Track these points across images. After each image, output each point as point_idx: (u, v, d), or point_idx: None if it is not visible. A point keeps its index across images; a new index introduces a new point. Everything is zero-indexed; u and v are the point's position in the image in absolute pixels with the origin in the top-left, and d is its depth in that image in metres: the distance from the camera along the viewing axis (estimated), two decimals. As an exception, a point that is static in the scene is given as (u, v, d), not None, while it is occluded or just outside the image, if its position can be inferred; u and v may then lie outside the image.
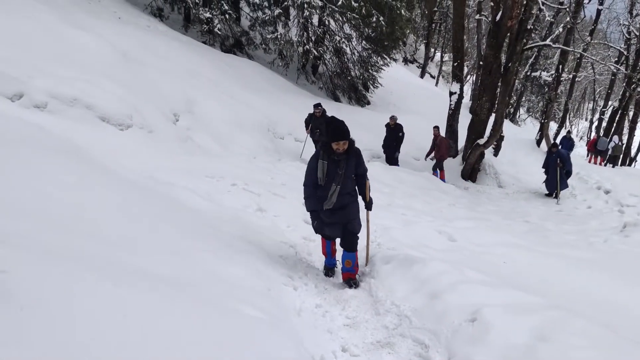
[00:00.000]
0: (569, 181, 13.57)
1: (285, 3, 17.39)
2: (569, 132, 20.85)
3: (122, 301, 2.25)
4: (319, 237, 6.42)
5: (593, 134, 39.02)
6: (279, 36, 17.10)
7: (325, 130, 4.76)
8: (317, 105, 12.17)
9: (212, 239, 4.75)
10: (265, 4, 17.77)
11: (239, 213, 6.30)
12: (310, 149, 11.65)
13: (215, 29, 16.59)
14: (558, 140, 22.25)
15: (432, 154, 13.60)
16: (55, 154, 4.74)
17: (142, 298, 2.43)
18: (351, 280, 5.05)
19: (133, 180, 5.71)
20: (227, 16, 17.08)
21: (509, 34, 13.10)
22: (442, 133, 15.57)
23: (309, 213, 5.03)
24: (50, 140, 5.28)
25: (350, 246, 5.07)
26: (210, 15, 16.45)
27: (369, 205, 5.18)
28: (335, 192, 4.77)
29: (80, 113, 7.83)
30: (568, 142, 16.73)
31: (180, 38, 14.82)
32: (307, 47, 17.55)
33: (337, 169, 4.73)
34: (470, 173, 14.44)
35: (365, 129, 13.95)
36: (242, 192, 7.24)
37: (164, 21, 16.43)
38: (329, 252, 5.28)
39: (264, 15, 17.39)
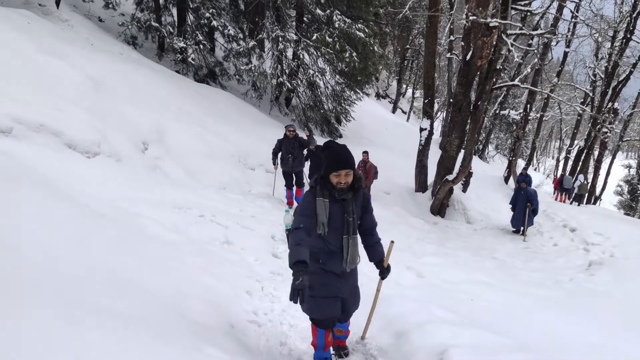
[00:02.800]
0: (536, 219, 13.76)
1: (260, 36, 17.51)
2: (524, 169, 21.27)
3: (74, 340, 2.14)
4: (287, 271, 6.33)
5: (559, 172, 39.85)
6: (253, 68, 17.16)
7: (323, 159, 3.49)
8: (289, 126, 10.65)
9: (176, 273, 4.63)
10: (240, 35, 17.85)
11: (206, 245, 6.19)
12: (283, 188, 11.13)
13: (189, 59, 16.58)
14: (512, 179, 22.64)
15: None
16: (17, 181, 4.61)
17: (96, 337, 2.32)
18: (341, 349, 4.14)
19: (97, 209, 5.58)
20: (201, 46, 17.10)
21: (478, 73, 13.37)
22: (412, 168, 15.69)
23: (291, 270, 3.27)
24: (12, 167, 5.14)
25: (347, 318, 3.98)
26: (185, 45, 16.45)
27: (384, 273, 3.83)
28: (353, 246, 3.58)
29: (46, 139, 7.66)
30: (524, 178, 17.08)
31: (154, 66, 14.75)
32: (281, 79, 17.62)
33: (344, 214, 3.52)
34: (439, 208, 14.53)
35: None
36: (210, 224, 7.13)
37: (138, 49, 16.36)
38: (321, 345, 3.90)
39: (238, 47, 17.45)
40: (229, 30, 17.30)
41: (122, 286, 3.56)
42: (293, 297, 3.05)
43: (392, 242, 3.92)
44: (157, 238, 5.65)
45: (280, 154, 10.57)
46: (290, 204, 10.70)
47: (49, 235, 3.64)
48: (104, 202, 6.29)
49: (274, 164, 10.78)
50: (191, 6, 16.83)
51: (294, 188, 10.82)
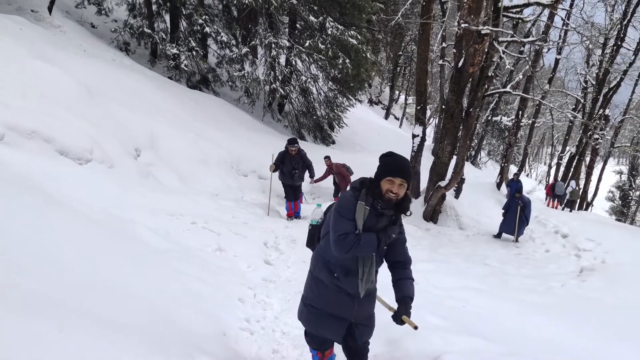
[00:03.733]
0: (528, 225, 13.78)
1: (253, 42, 17.53)
2: (515, 174, 21.36)
3: (67, 347, 2.14)
4: (279, 279, 6.33)
5: (551, 178, 40.03)
6: (245, 74, 17.16)
7: (380, 165, 3.14)
8: (292, 142, 10.34)
9: (168, 280, 4.62)
10: (233, 42, 17.87)
11: (198, 252, 6.18)
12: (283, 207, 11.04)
13: (182, 65, 16.57)
14: (506, 184, 22.73)
15: (320, 181, 12.75)
16: (8, 188, 4.59)
17: (89, 344, 2.32)
18: None
19: (89, 216, 5.56)
20: (194, 53, 17.10)
21: (470, 80, 13.43)
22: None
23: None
24: (3, 173, 5.12)
25: (356, 346, 3.47)
26: (177, 52, 16.45)
27: (401, 315, 3.21)
28: (370, 266, 3.16)
29: (38, 146, 7.63)
30: (516, 184, 17.15)
31: (146, 73, 14.74)
32: (274, 85, 17.65)
33: (377, 229, 3.09)
34: (432, 214, 14.54)
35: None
36: (202, 231, 7.12)
37: (130, 55, 16.34)
38: None
39: (231, 53, 17.47)
40: (221, 37, 17.32)
41: (113, 293, 3.54)
42: (302, 320, 3.42)
43: (416, 328, 3.19)
44: (149, 245, 5.64)
45: (281, 168, 10.45)
46: (290, 215, 10.69)
47: (41, 242, 3.63)
48: (95, 208, 6.26)
49: (273, 167, 10.34)
50: (184, 13, 16.83)
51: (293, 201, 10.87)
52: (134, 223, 6.29)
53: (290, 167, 10.34)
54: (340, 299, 3.23)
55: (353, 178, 13.01)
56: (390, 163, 3.06)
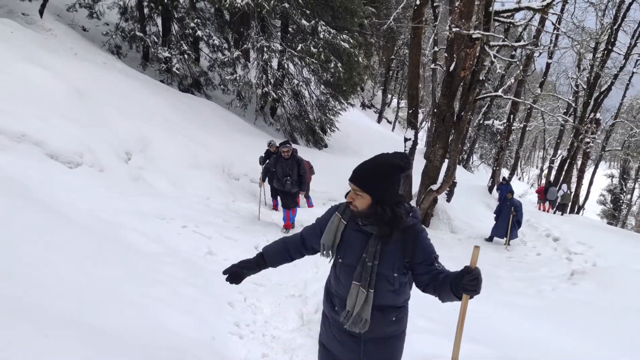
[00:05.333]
0: (519, 228, 13.81)
1: (245, 46, 17.54)
2: (504, 178, 21.44)
3: (53, 354, 2.12)
4: (269, 282, 6.31)
5: (543, 181, 40.20)
6: (237, 78, 17.16)
7: None
8: (284, 143, 9.35)
9: (157, 284, 4.59)
10: (225, 45, 17.87)
11: (188, 256, 6.15)
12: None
13: (174, 69, 16.55)
14: (496, 188, 22.83)
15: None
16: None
17: (75, 350, 2.30)
18: None
19: (79, 220, 5.52)
20: (186, 56, 17.08)
21: (462, 84, 13.47)
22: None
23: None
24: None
25: None
26: (169, 55, 16.43)
27: (467, 284, 2.32)
28: (361, 302, 2.47)
29: (28, 149, 7.58)
30: (506, 188, 17.18)
31: (138, 76, 14.70)
32: (266, 89, 17.64)
33: (363, 252, 2.48)
34: (424, 218, 14.55)
35: (323, 172, 13.96)
36: (193, 235, 7.10)
37: (122, 59, 16.31)
38: None
39: (223, 57, 17.47)
40: (213, 40, 17.33)
41: (101, 298, 3.52)
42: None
43: (477, 247, 2.43)
44: (139, 249, 5.60)
45: (274, 172, 9.41)
46: (288, 227, 9.46)
47: (29, 247, 3.60)
48: (85, 213, 6.22)
49: (262, 179, 9.85)
50: (176, 16, 16.82)
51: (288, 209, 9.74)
52: (124, 227, 6.26)
53: (283, 174, 9.19)
54: (343, 340, 2.66)
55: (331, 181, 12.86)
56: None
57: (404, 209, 2.49)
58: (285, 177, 9.18)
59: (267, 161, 9.92)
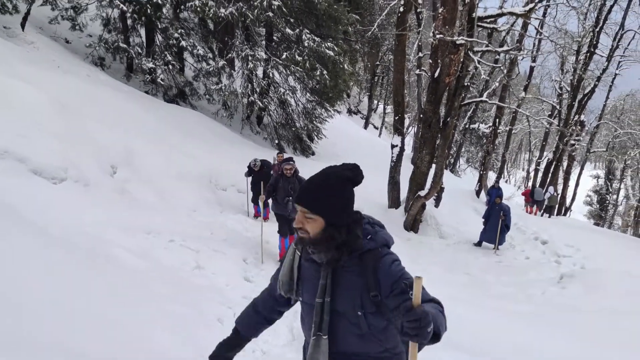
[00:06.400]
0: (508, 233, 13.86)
1: (230, 55, 17.49)
2: (496, 181, 21.60)
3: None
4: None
5: (529, 184, 40.42)
6: (223, 87, 17.11)
7: None
8: (287, 160, 8.38)
9: (144, 302, 4.53)
10: (210, 55, 17.83)
11: (175, 272, 6.08)
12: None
13: (158, 79, 16.47)
14: (485, 192, 22.95)
15: None
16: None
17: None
18: None
19: (63, 237, 5.44)
20: (170, 66, 17.00)
21: (447, 90, 13.54)
22: (385, 184, 15.72)
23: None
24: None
25: None
26: (154, 66, 16.34)
27: (411, 327, 1.62)
28: (314, 347, 2.11)
29: (10, 166, 7.47)
30: (496, 192, 17.24)
31: (122, 88, 14.60)
32: (252, 98, 17.60)
33: (315, 286, 2.11)
34: (413, 224, 14.56)
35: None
36: (180, 249, 7.03)
37: (106, 70, 16.19)
38: None
39: (208, 67, 17.41)
40: (198, 50, 17.28)
41: (84, 319, 3.45)
42: None
43: (419, 277, 1.75)
44: (125, 265, 5.53)
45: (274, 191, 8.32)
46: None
47: (7, 267, 3.53)
48: (70, 228, 6.14)
49: (266, 197, 8.45)
50: (159, 26, 16.74)
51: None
52: (110, 243, 6.18)
53: (284, 194, 8.05)
54: None
55: None
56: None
57: (362, 230, 2.10)
58: (287, 198, 7.97)
59: (271, 178, 8.78)
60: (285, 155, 10.48)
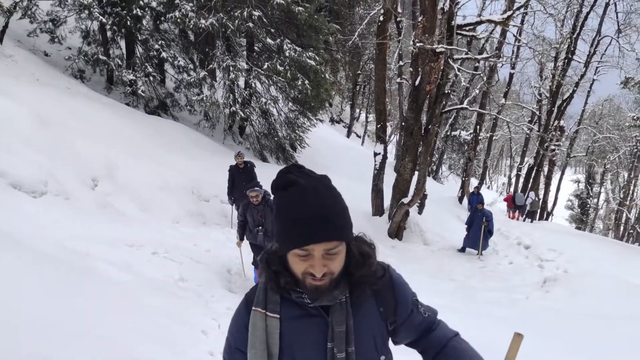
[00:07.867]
0: (491, 237, 13.95)
1: (211, 66, 17.45)
2: (476, 188, 21.77)
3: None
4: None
5: (511, 189, 40.79)
6: (204, 98, 17.04)
7: (274, 215, 1.47)
8: (252, 187, 7.10)
9: (128, 315, 4.47)
10: (191, 66, 17.78)
11: (159, 284, 6.02)
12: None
13: (139, 91, 16.36)
14: (467, 198, 23.10)
15: None
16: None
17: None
18: None
19: (44, 251, 5.36)
20: (151, 78, 16.90)
21: (428, 98, 13.63)
22: (369, 192, 15.75)
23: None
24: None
25: None
26: (134, 77, 16.23)
27: None
28: None
29: (-11, 180, 7.38)
30: (477, 198, 17.37)
31: (102, 100, 14.49)
32: (234, 108, 17.54)
33: (325, 342, 1.47)
34: (397, 231, 14.60)
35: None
36: (163, 261, 6.97)
37: (86, 83, 16.05)
38: None
39: (189, 77, 17.35)
40: (179, 61, 17.22)
41: (70, 334, 3.40)
42: None
43: (519, 335, 1.73)
44: (108, 279, 5.47)
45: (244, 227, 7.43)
46: None
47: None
48: (51, 242, 6.06)
49: (240, 239, 7.48)
50: (140, 38, 16.66)
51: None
52: (93, 257, 6.11)
53: (254, 224, 7.24)
54: None
55: None
56: (295, 212, 1.38)
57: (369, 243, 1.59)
58: (257, 227, 7.19)
59: (240, 212, 7.47)
60: (272, 164, 10.28)
